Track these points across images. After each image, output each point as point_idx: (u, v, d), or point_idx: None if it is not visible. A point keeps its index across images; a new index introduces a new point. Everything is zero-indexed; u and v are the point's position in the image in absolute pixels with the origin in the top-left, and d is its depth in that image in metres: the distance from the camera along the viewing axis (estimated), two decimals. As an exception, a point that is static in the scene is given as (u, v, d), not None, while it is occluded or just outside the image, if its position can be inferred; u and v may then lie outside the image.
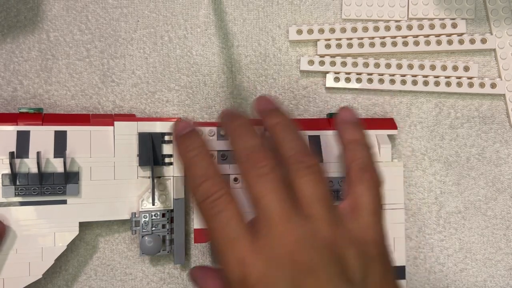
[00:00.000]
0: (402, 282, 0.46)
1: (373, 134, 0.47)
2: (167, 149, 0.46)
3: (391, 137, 0.48)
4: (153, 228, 0.45)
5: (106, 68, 0.49)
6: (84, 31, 0.49)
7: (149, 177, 0.45)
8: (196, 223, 0.44)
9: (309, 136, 0.46)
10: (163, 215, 0.45)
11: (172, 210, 0.46)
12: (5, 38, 0.48)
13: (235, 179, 0.45)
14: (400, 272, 0.46)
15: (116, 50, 0.49)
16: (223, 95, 0.49)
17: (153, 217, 0.45)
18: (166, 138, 0.46)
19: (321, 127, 0.47)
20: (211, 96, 0.49)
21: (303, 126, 0.46)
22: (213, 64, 0.49)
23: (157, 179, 0.45)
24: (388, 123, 0.48)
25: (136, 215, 0.45)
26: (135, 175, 0.45)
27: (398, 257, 0.46)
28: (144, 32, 0.49)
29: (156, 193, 0.45)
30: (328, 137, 0.46)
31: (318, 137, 0.46)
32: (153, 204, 0.45)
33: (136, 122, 0.45)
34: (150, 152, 0.44)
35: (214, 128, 0.45)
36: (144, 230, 0.45)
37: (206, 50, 0.49)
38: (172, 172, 0.46)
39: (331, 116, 0.48)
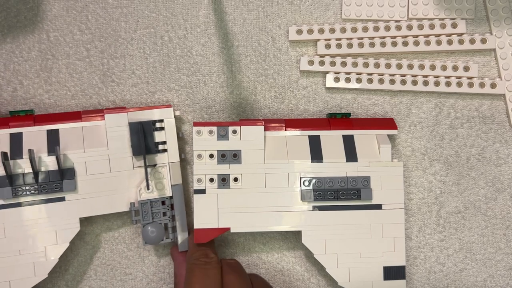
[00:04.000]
0: (402, 282, 0.46)
1: (373, 134, 0.47)
2: (159, 136, 0.46)
3: (391, 137, 0.48)
4: (154, 217, 0.45)
5: (106, 68, 0.49)
6: (84, 31, 0.49)
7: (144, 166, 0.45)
8: (197, 223, 0.44)
9: (309, 136, 0.46)
10: (163, 203, 0.45)
11: (171, 197, 0.46)
12: (5, 38, 0.48)
13: (235, 179, 0.45)
14: (400, 272, 0.46)
15: (116, 50, 0.49)
16: (223, 95, 0.49)
17: (153, 206, 0.45)
18: (157, 125, 0.46)
19: (321, 127, 0.47)
20: (211, 96, 0.49)
21: (303, 126, 0.46)
22: (213, 64, 0.49)
23: (153, 167, 0.45)
24: (388, 123, 0.48)
25: (135, 205, 0.45)
26: (131, 166, 0.45)
27: (398, 257, 0.46)
28: (144, 32, 0.49)
29: (153, 182, 0.45)
30: (328, 137, 0.46)
31: (318, 137, 0.46)
32: (148, 189, 0.45)
33: (126, 113, 0.45)
34: (142, 141, 0.44)
35: (214, 128, 0.45)
36: (144, 220, 0.45)
37: (206, 50, 0.49)
38: (167, 158, 0.46)
39: (331, 116, 0.48)
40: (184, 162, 0.49)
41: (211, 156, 0.45)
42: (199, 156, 0.45)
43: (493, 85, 0.49)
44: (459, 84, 0.49)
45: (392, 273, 0.46)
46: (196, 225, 0.44)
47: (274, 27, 0.50)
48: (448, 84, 0.49)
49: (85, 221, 0.48)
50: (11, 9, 0.48)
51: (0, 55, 0.48)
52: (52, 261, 0.43)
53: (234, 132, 0.45)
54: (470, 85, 0.49)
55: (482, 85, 0.49)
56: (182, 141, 0.49)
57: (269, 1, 0.50)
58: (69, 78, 0.48)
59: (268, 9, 0.50)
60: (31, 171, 0.43)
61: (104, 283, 0.48)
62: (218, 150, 0.45)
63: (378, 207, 0.46)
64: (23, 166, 0.43)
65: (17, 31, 0.48)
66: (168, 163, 0.46)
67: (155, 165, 0.46)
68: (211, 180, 0.45)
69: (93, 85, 0.49)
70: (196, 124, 0.45)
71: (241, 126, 0.45)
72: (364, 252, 0.45)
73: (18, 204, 0.43)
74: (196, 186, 0.45)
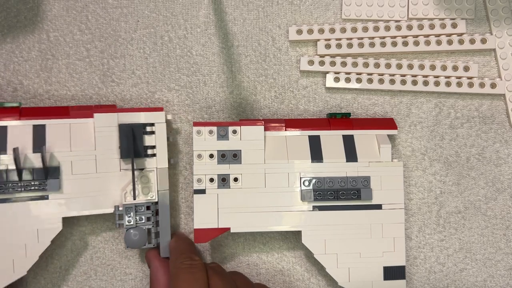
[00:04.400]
0: (402, 282, 0.46)
1: (373, 134, 0.47)
2: (149, 140, 0.45)
3: (391, 137, 0.48)
4: (138, 222, 0.44)
5: (106, 68, 0.49)
6: (84, 31, 0.49)
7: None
8: (197, 223, 0.44)
9: (309, 136, 0.46)
10: (148, 208, 0.45)
11: (156, 203, 0.45)
12: (5, 38, 0.48)
13: (235, 179, 0.45)
14: (400, 272, 0.46)
15: (116, 50, 0.49)
16: (223, 95, 0.49)
17: (137, 210, 0.44)
18: (148, 129, 0.45)
19: (321, 127, 0.47)
20: (211, 96, 0.49)
21: (303, 126, 0.46)
22: (213, 64, 0.49)
23: (140, 171, 0.45)
24: (388, 123, 0.48)
25: (120, 209, 0.44)
26: (118, 168, 0.45)
27: (398, 257, 0.46)
28: (144, 32, 0.49)
29: (139, 186, 0.45)
30: (328, 137, 0.46)
31: (318, 137, 0.46)
32: (134, 199, 0.44)
33: (116, 113, 0.44)
34: (131, 144, 0.44)
35: (214, 128, 0.45)
36: (128, 224, 0.44)
37: (206, 50, 0.49)
38: (156, 163, 0.45)
39: (331, 116, 0.48)
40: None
41: (211, 156, 0.45)
42: (199, 156, 0.45)
43: (493, 85, 0.49)
44: (459, 84, 0.49)
45: (392, 273, 0.46)
46: (196, 225, 0.44)
47: (274, 27, 0.50)
48: (448, 84, 0.49)
49: (85, 221, 0.48)
50: (11, 9, 0.48)
51: (0, 55, 0.48)
52: (32, 259, 0.43)
53: (234, 132, 0.45)
54: (470, 85, 0.49)
55: (482, 85, 0.49)
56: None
57: (269, 1, 0.50)
58: (69, 78, 0.48)
59: (268, 9, 0.50)
60: (14, 167, 0.42)
61: (104, 283, 0.48)
62: (218, 150, 0.45)
63: (378, 207, 0.46)
64: (7, 162, 0.42)
65: (17, 31, 0.48)
66: (156, 168, 0.45)
67: (143, 169, 0.45)
68: (211, 180, 0.45)
69: (93, 85, 0.49)
70: (196, 124, 0.45)
71: (241, 126, 0.45)
72: (364, 252, 0.45)
73: (0, 201, 0.42)
74: (196, 186, 0.45)
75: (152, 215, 0.45)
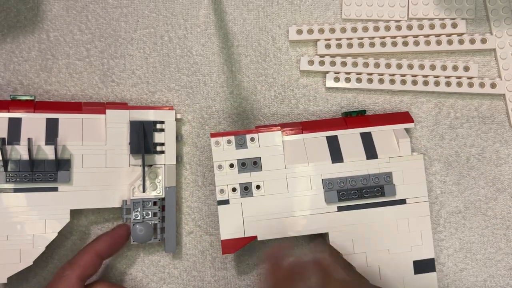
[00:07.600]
0: (433, 274, 0.45)
1: (390, 129, 0.47)
2: (158, 137, 0.46)
3: (408, 131, 0.48)
4: (144, 217, 0.45)
5: (106, 68, 0.49)
6: (84, 31, 0.49)
7: (140, 165, 0.45)
8: (223, 234, 0.44)
9: (326, 137, 0.46)
10: (155, 203, 0.45)
11: (163, 199, 0.46)
12: (5, 38, 0.48)
13: (257, 187, 0.45)
14: (430, 264, 0.45)
15: (116, 50, 0.49)
16: (223, 95, 0.49)
17: (144, 206, 0.45)
18: (158, 126, 0.46)
19: (337, 127, 0.46)
20: (211, 96, 0.49)
21: (320, 127, 0.46)
22: (213, 64, 0.49)
23: (148, 167, 0.45)
24: (404, 117, 0.47)
25: (127, 203, 0.45)
26: (127, 163, 0.45)
27: (427, 250, 0.45)
28: (144, 32, 0.49)
29: (147, 181, 0.45)
30: (346, 136, 0.46)
31: (336, 137, 0.46)
32: (144, 191, 0.45)
33: (128, 110, 0.45)
34: (142, 140, 0.44)
35: (232, 137, 0.45)
36: (135, 218, 0.45)
37: (206, 50, 0.49)
38: (164, 160, 0.46)
39: (346, 115, 0.47)
40: (181, 165, 0.49)
41: (231, 165, 0.45)
42: (220, 167, 0.45)
43: (493, 85, 0.49)
44: (459, 84, 0.49)
45: (422, 266, 0.45)
46: (223, 236, 0.44)
47: (274, 27, 0.50)
48: (448, 84, 0.49)
49: (85, 221, 0.48)
50: (11, 9, 0.48)
51: (0, 55, 0.48)
52: (39, 250, 0.43)
53: (252, 139, 0.45)
54: (470, 85, 0.49)
55: (482, 85, 0.49)
56: (181, 144, 0.49)
57: (269, 1, 0.50)
58: (69, 78, 0.48)
59: (268, 9, 0.50)
60: (27, 158, 0.42)
61: (104, 283, 0.48)
62: (238, 159, 0.45)
63: (403, 202, 0.45)
64: (20, 152, 0.43)
65: (17, 31, 0.48)
66: (164, 165, 0.46)
67: (151, 165, 0.46)
68: (234, 189, 0.44)
69: (93, 85, 0.48)
70: (213, 135, 0.45)
71: (259, 133, 0.45)
72: (392, 248, 0.45)
73: (10, 190, 0.43)
74: (219, 197, 0.44)
75: (159, 210, 0.45)
